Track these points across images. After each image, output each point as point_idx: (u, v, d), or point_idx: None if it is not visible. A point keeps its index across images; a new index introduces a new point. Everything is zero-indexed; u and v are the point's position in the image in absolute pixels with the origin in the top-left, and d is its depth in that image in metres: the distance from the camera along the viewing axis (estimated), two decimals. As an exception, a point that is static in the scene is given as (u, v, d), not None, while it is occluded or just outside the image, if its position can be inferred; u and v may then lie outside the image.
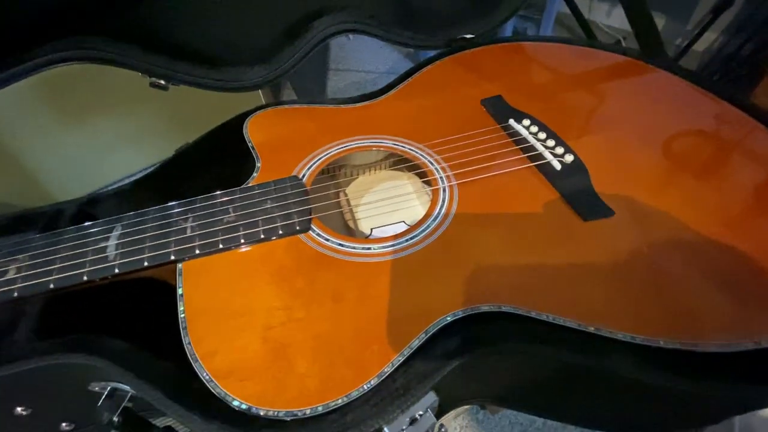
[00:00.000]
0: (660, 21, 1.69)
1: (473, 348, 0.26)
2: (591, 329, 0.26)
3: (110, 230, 0.32)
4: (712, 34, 1.33)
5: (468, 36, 0.54)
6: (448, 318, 0.27)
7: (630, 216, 0.32)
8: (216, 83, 0.46)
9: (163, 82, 0.44)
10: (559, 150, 0.37)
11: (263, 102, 1.02)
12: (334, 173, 0.45)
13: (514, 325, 0.27)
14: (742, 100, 0.41)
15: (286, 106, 0.45)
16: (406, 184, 0.46)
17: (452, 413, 0.84)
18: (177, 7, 0.43)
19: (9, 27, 0.35)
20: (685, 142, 0.39)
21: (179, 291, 0.29)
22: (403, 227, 0.44)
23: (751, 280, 0.27)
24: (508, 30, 1.42)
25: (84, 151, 0.85)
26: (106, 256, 0.30)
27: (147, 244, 0.31)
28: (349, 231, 0.43)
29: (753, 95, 1.12)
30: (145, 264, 0.30)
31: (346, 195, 0.46)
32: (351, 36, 0.52)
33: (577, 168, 0.36)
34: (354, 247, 0.31)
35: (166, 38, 0.43)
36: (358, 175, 0.48)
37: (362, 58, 1.56)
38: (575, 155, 0.36)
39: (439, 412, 0.31)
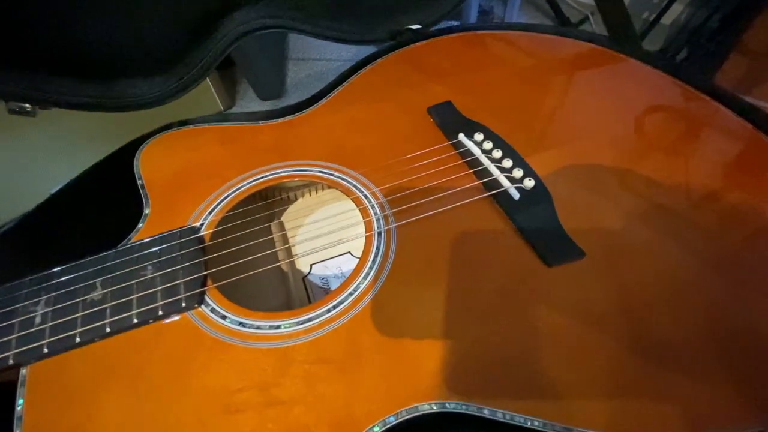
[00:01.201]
0: (627, -7, 1.64)
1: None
2: (559, 428, 0.20)
3: (-69, 325, 0.24)
4: (679, 7, 1.29)
5: (414, 27, 0.46)
6: (376, 429, 0.20)
7: (606, 258, 0.26)
8: (101, 102, 0.37)
9: (27, 106, 0.35)
10: (518, 173, 0.30)
11: (217, 100, 0.92)
12: (266, 197, 0.37)
13: (460, 421, 0.21)
14: (711, 84, 0.35)
15: (190, 127, 0.37)
16: (352, 208, 0.39)
17: None
18: (45, 8, 0.33)
19: None
20: (665, 151, 0.33)
21: (18, 408, 0.21)
22: (348, 260, 0.37)
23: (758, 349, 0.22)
24: (473, 9, 1.33)
25: (11, 164, 0.74)
26: None
27: (-22, 344, 0.23)
28: (282, 274, 0.36)
29: (721, 71, 1.09)
30: (-27, 373, 0.22)
31: (282, 226, 0.38)
32: None
33: (539, 196, 0.29)
34: (258, 327, 0.24)
35: (28, 47, 0.33)
36: (295, 199, 0.41)
37: (323, 46, 1.44)
38: (537, 179, 0.30)
39: None
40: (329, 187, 0.38)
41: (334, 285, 0.35)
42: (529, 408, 0.20)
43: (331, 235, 0.35)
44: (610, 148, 0.32)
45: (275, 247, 0.35)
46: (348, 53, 1.38)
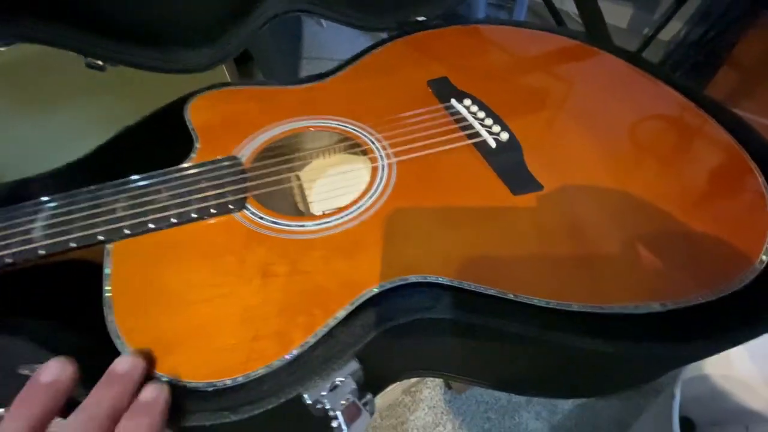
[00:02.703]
0: (628, 11, 1.73)
1: (396, 317, 0.27)
2: (510, 296, 0.27)
3: (37, 212, 0.31)
4: (677, 24, 1.37)
5: (420, 19, 0.54)
6: (375, 290, 0.27)
7: (557, 191, 0.33)
8: (157, 63, 0.45)
9: (100, 62, 0.42)
10: (496, 129, 0.38)
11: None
12: (288, 156, 0.45)
13: (438, 295, 0.28)
14: (676, 80, 0.43)
15: (230, 88, 0.44)
16: (360, 167, 0.46)
17: (409, 390, 0.86)
18: None
19: None
20: (619, 123, 0.40)
21: (106, 271, 0.28)
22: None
23: (659, 250, 0.29)
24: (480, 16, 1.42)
25: (39, 141, 0.82)
26: (31, 238, 0.29)
27: (75, 225, 0.30)
28: (300, 214, 0.43)
29: (713, 82, 1.17)
30: (72, 245, 0.29)
31: (299, 179, 0.46)
32: (325, 24, 0.51)
33: (511, 145, 0.36)
34: (288, 225, 0.31)
35: (101, 15, 0.41)
36: (312, 158, 0.48)
37: (335, 46, 1.54)
38: (511, 133, 0.37)
39: (376, 385, 0.32)
40: (344, 152, 0.46)
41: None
42: (490, 281, 0.27)
43: (342, 188, 0.42)
44: (573, 116, 0.40)
45: (293, 191, 0.42)
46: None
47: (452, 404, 0.87)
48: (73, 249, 0.29)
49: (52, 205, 0.31)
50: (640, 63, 0.46)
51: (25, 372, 0.29)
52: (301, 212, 0.44)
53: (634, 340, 0.26)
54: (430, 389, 0.88)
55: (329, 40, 1.56)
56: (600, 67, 0.47)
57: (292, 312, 0.26)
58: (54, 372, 0.21)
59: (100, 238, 0.30)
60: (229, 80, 1.00)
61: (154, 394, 0.21)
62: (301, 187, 0.46)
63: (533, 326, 0.26)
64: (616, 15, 1.68)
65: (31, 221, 0.30)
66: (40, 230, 0.30)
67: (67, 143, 0.85)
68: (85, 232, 0.30)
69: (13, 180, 0.38)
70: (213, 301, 0.27)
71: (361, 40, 1.41)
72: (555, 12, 1.00)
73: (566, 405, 0.85)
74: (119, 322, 0.26)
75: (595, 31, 0.52)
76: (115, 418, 0.20)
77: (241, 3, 0.47)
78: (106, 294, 0.27)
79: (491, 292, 0.27)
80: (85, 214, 0.31)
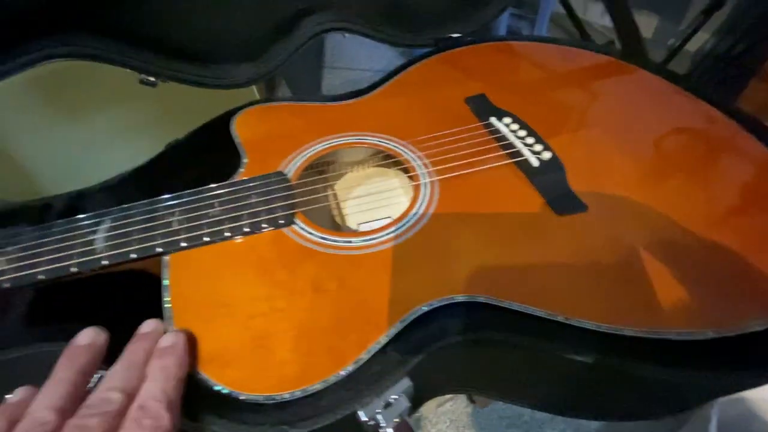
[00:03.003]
0: (653, 21, 1.71)
1: (445, 336, 0.27)
2: (560, 318, 0.27)
3: (98, 224, 0.33)
4: (705, 35, 1.35)
5: (455, 35, 0.55)
6: (423, 308, 0.28)
7: (602, 211, 0.33)
8: (203, 80, 0.47)
9: (152, 78, 0.45)
10: (538, 147, 0.38)
11: (257, 98, 1.02)
12: (323, 169, 0.46)
13: (486, 315, 0.28)
14: (715, 98, 0.42)
15: (273, 104, 0.46)
16: (394, 180, 0.47)
17: (434, 403, 0.86)
18: (164, 2, 0.43)
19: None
20: (662, 141, 0.40)
21: (165, 282, 0.30)
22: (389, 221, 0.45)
23: (712, 275, 0.29)
24: (502, 29, 1.43)
25: (77, 148, 0.85)
26: (94, 249, 0.31)
27: (134, 237, 0.32)
28: (336, 226, 0.44)
29: (742, 96, 1.14)
30: (133, 256, 0.31)
31: (334, 191, 0.47)
32: (346, 34, 0.53)
33: (553, 165, 0.37)
34: (336, 241, 0.32)
35: (152, 34, 0.43)
36: (346, 171, 0.49)
37: (357, 56, 1.56)
38: (553, 153, 0.37)
39: (418, 401, 0.32)
40: (376, 165, 0.47)
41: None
42: (537, 302, 0.27)
43: (376, 200, 0.43)
44: (613, 134, 0.40)
45: (331, 206, 0.43)
46: (379, 64, 1.49)
47: (474, 418, 0.86)
48: (133, 260, 0.31)
49: (111, 217, 0.33)
50: (678, 79, 0.45)
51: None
52: (337, 225, 0.45)
53: (688, 367, 0.26)
54: (453, 402, 0.87)
55: (351, 49, 1.59)
56: (637, 85, 0.47)
57: (345, 328, 0.27)
58: (91, 335, 0.25)
59: (159, 250, 0.31)
60: (254, 90, 1.03)
61: (172, 339, 0.25)
62: (336, 199, 0.47)
63: (585, 351, 0.26)
64: (641, 25, 1.66)
65: (93, 232, 0.32)
66: (102, 241, 0.31)
67: (103, 149, 0.89)
68: (145, 244, 0.31)
69: (69, 191, 0.40)
70: (269, 315, 0.27)
71: (380, 51, 1.43)
72: (578, 23, 1.00)
73: (592, 422, 0.83)
74: (180, 333, 0.27)
75: (630, 47, 0.52)
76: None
77: (284, 21, 0.49)
78: (166, 305, 0.28)
79: (540, 313, 0.27)
80: (143, 227, 0.32)
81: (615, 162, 0.37)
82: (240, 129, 0.42)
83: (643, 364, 0.26)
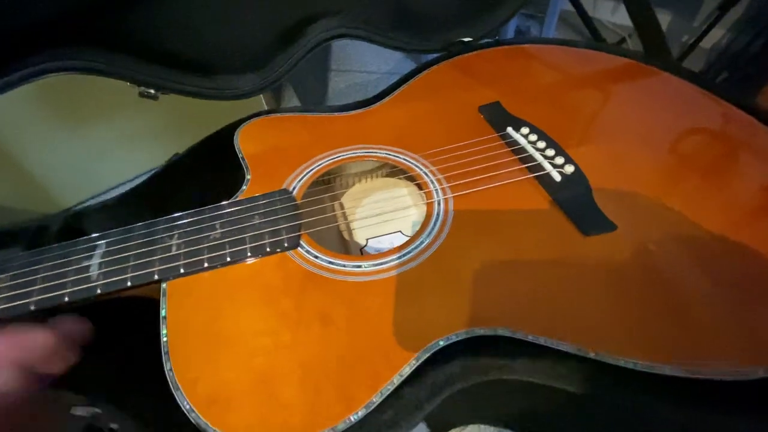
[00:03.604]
0: (666, 17, 1.66)
1: (467, 375, 0.25)
2: (591, 354, 0.24)
3: (93, 248, 0.31)
4: (720, 31, 1.30)
5: (465, 39, 0.52)
6: (441, 342, 0.25)
7: (633, 230, 0.31)
8: (207, 91, 0.45)
9: (152, 91, 0.43)
10: (559, 160, 0.35)
11: (264, 105, 1.01)
12: (328, 182, 0.44)
13: (510, 350, 0.26)
14: (746, 102, 0.39)
15: (278, 115, 0.44)
16: (403, 192, 0.44)
17: None
18: (166, 14, 0.42)
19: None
20: (690, 149, 0.37)
21: (162, 313, 0.28)
22: (399, 237, 0.43)
23: (759, 301, 0.26)
24: (510, 28, 1.40)
25: (84, 155, 0.85)
26: (89, 276, 0.29)
27: (131, 263, 0.30)
28: (344, 242, 0.42)
29: (761, 93, 1.10)
30: (129, 284, 0.29)
31: (341, 205, 0.45)
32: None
33: (577, 179, 0.34)
34: (344, 265, 0.30)
35: (154, 46, 0.42)
36: (353, 183, 0.47)
37: (364, 59, 1.54)
38: (576, 166, 0.35)
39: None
40: (384, 176, 0.45)
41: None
42: (566, 335, 0.25)
43: (383, 214, 0.41)
44: (639, 143, 0.37)
45: (338, 221, 0.41)
46: (386, 66, 1.47)
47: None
48: (129, 288, 0.29)
49: (106, 241, 0.31)
50: (706, 83, 0.42)
51: (81, 413, 0.29)
52: (345, 240, 0.42)
53: (735, 412, 0.23)
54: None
55: (356, 52, 1.57)
56: (661, 89, 0.44)
57: (355, 366, 0.25)
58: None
59: (156, 277, 0.29)
60: (261, 97, 1.01)
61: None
62: (344, 212, 0.45)
63: (619, 391, 0.24)
64: (654, 23, 1.63)
65: (88, 257, 0.30)
66: (96, 268, 0.30)
67: (109, 157, 0.88)
68: (142, 271, 0.29)
69: (65, 210, 0.38)
70: (273, 353, 0.25)
71: (387, 53, 1.41)
72: (588, 21, 0.97)
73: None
74: (178, 372, 0.25)
75: (653, 48, 0.49)
76: None
77: (290, 29, 0.47)
78: (164, 339, 0.26)
79: (569, 349, 0.25)
80: (141, 251, 0.30)
81: (643, 175, 0.35)
82: (243, 143, 0.40)
83: (685, 410, 0.23)
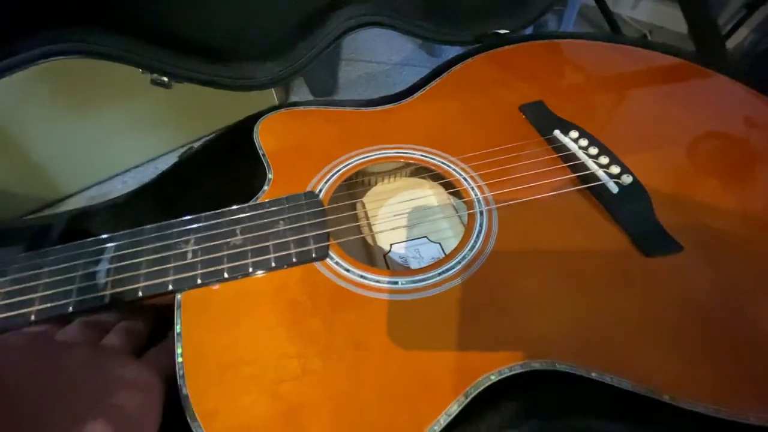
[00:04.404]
0: (690, 16, 1.60)
1: (527, 418, 0.22)
2: (666, 398, 0.21)
3: (101, 251, 0.28)
4: (744, 31, 1.25)
5: (501, 31, 0.49)
6: (493, 377, 0.22)
7: (702, 252, 0.27)
8: (223, 80, 0.42)
9: (165, 79, 0.40)
10: (615, 169, 0.32)
11: (274, 97, 0.97)
12: (354, 184, 0.40)
13: (571, 388, 0.23)
14: None
15: (300, 108, 0.40)
16: (429, 194, 0.41)
17: None
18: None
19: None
20: (755, 159, 0.33)
21: (177, 329, 0.25)
22: (425, 243, 0.40)
23: None
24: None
25: (87, 141, 0.83)
26: (96, 284, 0.26)
27: (142, 271, 0.27)
28: (367, 248, 0.39)
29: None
30: (140, 294, 0.26)
31: (363, 206, 0.41)
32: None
33: (636, 191, 0.31)
34: (378, 281, 0.27)
35: (168, 30, 0.38)
36: (375, 183, 0.44)
37: (375, 48, 1.50)
38: (633, 176, 0.31)
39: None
40: (409, 175, 0.41)
41: (413, 265, 0.37)
42: (634, 374, 0.22)
43: (410, 217, 0.37)
44: (701, 154, 0.34)
45: (360, 224, 0.37)
46: (397, 57, 1.42)
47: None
48: (140, 299, 0.26)
49: (116, 244, 0.28)
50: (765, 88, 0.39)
51: None
52: (369, 245, 0.39)
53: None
54: None
55: (367, 41, 1.52)
56: (719, 94, 0.40)
57: (394, 402, 0.22)
58: None
59: (171, 288, 0.26)
60: (273, 90, 0.97)
61: None
62: (366, 214, 0.41)
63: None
64: (674, 20, 1.57)
65: (96, 262, 0.27)
66: (104, 275, 0.27)
67: (118, 143, 0.85)
68: (155, 281, 0.26)
69: (71, 209, 0.35)
70: (301, 379, 0.22)
71: (398, 43, 1.36)
72: (609, 16, 0.92)
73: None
74: (194, 400, 0.22)
75: (706, 48, 0.45)
76: None
77: (314, 15, 0.43)
78: (179, 359, 0.24)
79: (640, 390, 0.22)
80: (153, 257, 0.27)
81: (709, 188, 0.31)
82: (264, 138, 0.37)
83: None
